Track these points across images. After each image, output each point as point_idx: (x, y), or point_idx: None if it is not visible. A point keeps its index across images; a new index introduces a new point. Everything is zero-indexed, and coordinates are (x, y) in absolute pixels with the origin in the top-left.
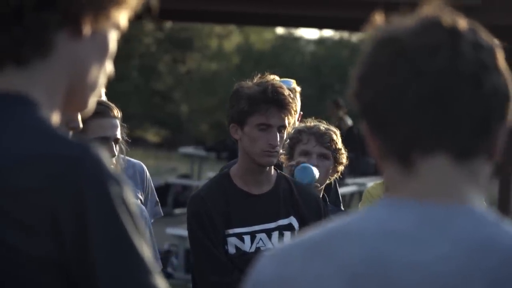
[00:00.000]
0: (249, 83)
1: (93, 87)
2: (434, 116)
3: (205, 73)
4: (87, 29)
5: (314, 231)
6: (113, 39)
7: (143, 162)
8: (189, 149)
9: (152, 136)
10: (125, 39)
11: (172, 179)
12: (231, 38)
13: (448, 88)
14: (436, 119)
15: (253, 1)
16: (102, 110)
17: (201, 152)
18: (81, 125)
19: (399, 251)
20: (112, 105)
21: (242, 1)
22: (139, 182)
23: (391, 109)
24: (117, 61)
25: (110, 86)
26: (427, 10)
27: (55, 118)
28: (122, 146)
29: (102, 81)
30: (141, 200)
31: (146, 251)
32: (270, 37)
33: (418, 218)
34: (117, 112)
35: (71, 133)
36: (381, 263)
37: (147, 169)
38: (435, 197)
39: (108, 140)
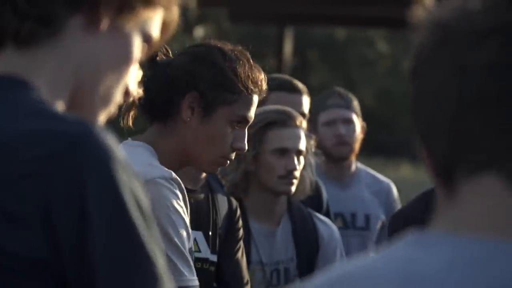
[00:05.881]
0: None
1: (105, 99)
2: (481, 126)
3: None
4: (105, 22)
5: (328, 273)
6: (137, 45)
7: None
8: None
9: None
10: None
11: None
12: None
13: (499, 87)
14: (483, 130)
15: None
16: (281, 119)
17: None
18: (245, 147)
19: None
20: (295, 113)
21: None
22: (383, 203)
23: (430, 115)
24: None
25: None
26: None
27: (59, 108)
28: (311, 160)
29: (118, 97)
30: (383, 222)
31: (158, 255)
32: None
33: (451, 258)
34: (300, 122)
35: (233, 154)
36: None
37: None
38: (477, 231)
39: (287, 152)
